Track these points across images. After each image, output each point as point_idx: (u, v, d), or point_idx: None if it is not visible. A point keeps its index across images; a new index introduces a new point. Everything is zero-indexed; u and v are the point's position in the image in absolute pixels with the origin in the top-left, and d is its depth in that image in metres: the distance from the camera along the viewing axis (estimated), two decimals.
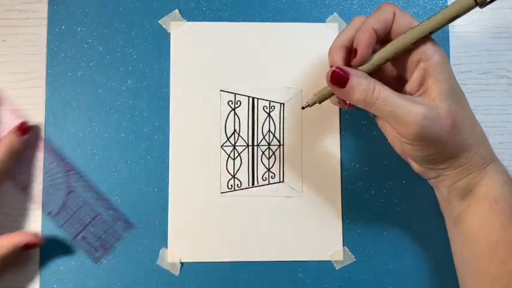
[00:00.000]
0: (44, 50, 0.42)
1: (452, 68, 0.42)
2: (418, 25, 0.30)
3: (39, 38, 0.42)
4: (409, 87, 0.32)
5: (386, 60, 0.32)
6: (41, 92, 0.41)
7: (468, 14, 0.43)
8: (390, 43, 0.31)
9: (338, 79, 0.31)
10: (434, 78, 0.30)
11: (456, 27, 0.43)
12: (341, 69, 0.31)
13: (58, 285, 0.40)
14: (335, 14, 0.43)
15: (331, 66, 0.33)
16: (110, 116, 0.41)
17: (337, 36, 0.34)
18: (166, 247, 0.40)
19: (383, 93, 0.30)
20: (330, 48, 0.34)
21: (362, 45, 0.31)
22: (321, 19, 0.43)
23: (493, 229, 0.31)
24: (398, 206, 0.41)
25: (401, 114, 0.29)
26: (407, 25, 0.31)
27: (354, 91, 0.30)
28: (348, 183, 0.41)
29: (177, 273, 0.40)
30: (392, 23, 0.31)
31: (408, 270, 0.41)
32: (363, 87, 0.30)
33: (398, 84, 0.34)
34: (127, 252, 0.40)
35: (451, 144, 0.30)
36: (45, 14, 0.42)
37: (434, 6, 0.43)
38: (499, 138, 0.42)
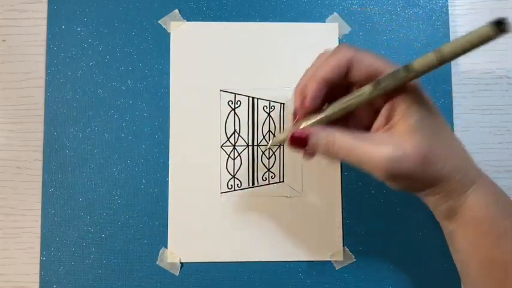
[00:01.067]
0: (44, 50, 0.42)
1: (452, 68, 0.42)
2: (380, 84, 0.29)
3: (39, 38, 0.42)
4: (377, 122, 0.31)
5: (350, 111, 0.31)
6: (41, 92, 0.41)
7: (468, 14, 0.43)
8: (352, 98, 0.30)
9: (298, 143, 0.31)
10: (400, 114, 0.29)
11: (456, 27, 0.43)
12: (298, 134, 0.31)
13: (58, 285, 0.40)
14: (335, 14, 0.43)
15: (295, 112, 0.32)
16: (110, 116, 0.41)
17: (302, 77, 0.33)
18: (166, 247, 0.40)
19: (344, 144, 0.29)
20: (294, 90, 0.33)
21: (308, 98, 0.31)
22: (321, 19, 0.43)
23: (484, 248, 0.30)
24: (398, 206, 0.41)
25: (365, 160, 0.29)
26: (367, 69, 0.29)
27: (316, 148, 0.31)
28: (348, 183, 0.41)
29: (177, 273, 0.40)
30: (349, 69, 0.30)
31: (408, 270, 0.41)
32: (324, 142, 0.30)
33: (371, 115, 0.32)
34: (127, 252, 0.40)
35: (424, 178, 0.29)
36: (45, 14, 0.42)
37: (434, 6, 0.43)
38: (499, 138, 0.42)
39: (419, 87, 0.30)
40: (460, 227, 0.31)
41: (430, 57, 0.26)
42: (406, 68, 0.27)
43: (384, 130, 0.30)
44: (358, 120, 0.33)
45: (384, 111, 0.30)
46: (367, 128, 0.32)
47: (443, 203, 0.31)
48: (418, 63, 0.27)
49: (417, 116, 0.29)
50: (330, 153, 0.30)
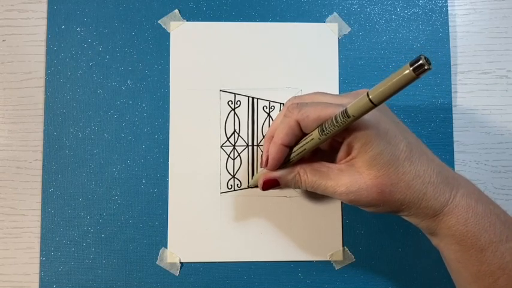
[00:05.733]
0: (44, 50, 0.42)
1: (452, 69, 0.42)
2: (324, 130, 0.30)
3: (39, 38, 0.42)
4: (340, 154, 0.32)
5: (306, 154, 0.33)
6: (41, 92, 0.41)
7: (467, 15, 0.43)
8: (304, 144, 0.32)
9: (270, 185, 0.34)
10: (357, 150, 0.30)
11: (456, 27, 0.43)
12: (268, 179, 0.34)
13: (58, 285, 0.40)
14: (335, 14, 0.43)
15: (267, 155, 0.34)
16: (110, 116, 0.41)
17: (271, 126, 0.36)
18: (166, 247, 0.40)
19: (308, 180, 0.33)
20: (264, 138, 0.37)
21: (271, 161, 0.33)
22: (321, 19, 0.43)
23: (469, 262, 0.31)
24: None
25: (329, 193, 0.32)
26: (316, 123, 0.31)
27: (288, 186, 0.34)
28: None
29: (177, 273, 0.40)
30: (300, 128, 0.32)
31: (408, 270, 0.41)
32: (292, 182, 0.33)
33: (335, 148, 0.34)
34: (127, 252, 0.40)
35: (385, 206, 0.31)
36: (45, 14, 0.42)
37: (434, 6, 0.43)
38: (499, 138, 0.42)
39: (377, 120, 0.30)
40: (443, 243, 0.32)
41: (364, 101, 0.27)
42: (344, 113, 0.28)
43: (344, 162, 0.32)
44: (327, 144, 0.35)
45: (343, 147, 0.32)
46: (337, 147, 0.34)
47: (420, 222, 0.32)
48: (352, 107, 0.27)
49: (372, 152, 0.30)
50: (302, 188, 0.34)
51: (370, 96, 0.26)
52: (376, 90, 0.26)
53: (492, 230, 0.30)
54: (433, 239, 0.33)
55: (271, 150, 0.33)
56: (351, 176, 0.31)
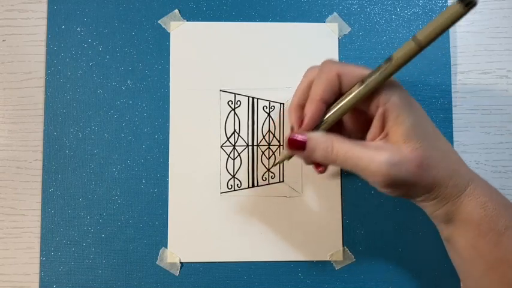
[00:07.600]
0: (44, 50, 0.42)
1: (452, 68, 0.42)
2: (365, 81, 0.30)
3: (39, 38, 0.42)
4: (371, 133, 0.31)
5: (343, 115, 0.31)
6: (41, 92, 0.41)
7: (468, 14, 0.43)
8: (342, 100, 0.31)
9: (296, 145, 0.31)
10: (392, 121, 0.30)
11: (456, 27, 0.43)
12: (297, 135, 0.31)
13: (58, 285, 0.40)
14: (335, 14, 0.43)
15: (292, 128, 0.33)
16: (110, 116, 0.41)
17: (293, 95, 0.34)
18: (166, 247, 0.40)
19: (342, 148, 0.30)
20: (288, 108, 0.35)
21: (307, 120, 0.31)
22: (321, 19, 0.43)
23: (487, 248, 0.30)
24: (398, 206, 0.41)
25: (364, 165, 0.29)
26: (356, 80, 0.30)
27: (314, 152, 0.31)
28: (348, 183, 0.41)
29: (176, 273, 0.40)
30: (340, 84, 0.31)
31: (408, 270, 0.41)
32: (322, 146, 0.30)
33: (364, 130, 0.33)
34: (127, 252, 0.40)
35: (421, 183, 0.30)
36: (44, 14, 0.42)
37: (434, 6, 0.43)
38: (498, 138, 0.42)
39: (407, 94, 0.30)
40: (459, 230, 0.31)
41: (409, 45, 0.27)
42: (387, 59, 0.28)
43: (380, 139, 0.31)
44: (349, 134, 0.34)
45: (375, 122, 0.31)
46: (363, 128, 0.33)
47: (440, 208, 0.31)
48: (397, 52, 0.28)
49: (409, 122, 0.29)
50: (328, 159, 0.30)
51: (419, 37, 0.27)
52: (426, 31, 0.26)
53: (508, 214, 0.30)
54: (447, 229, 0.32)
55: (308, 107, 0.31)
56: (390, 150, 0.29)
